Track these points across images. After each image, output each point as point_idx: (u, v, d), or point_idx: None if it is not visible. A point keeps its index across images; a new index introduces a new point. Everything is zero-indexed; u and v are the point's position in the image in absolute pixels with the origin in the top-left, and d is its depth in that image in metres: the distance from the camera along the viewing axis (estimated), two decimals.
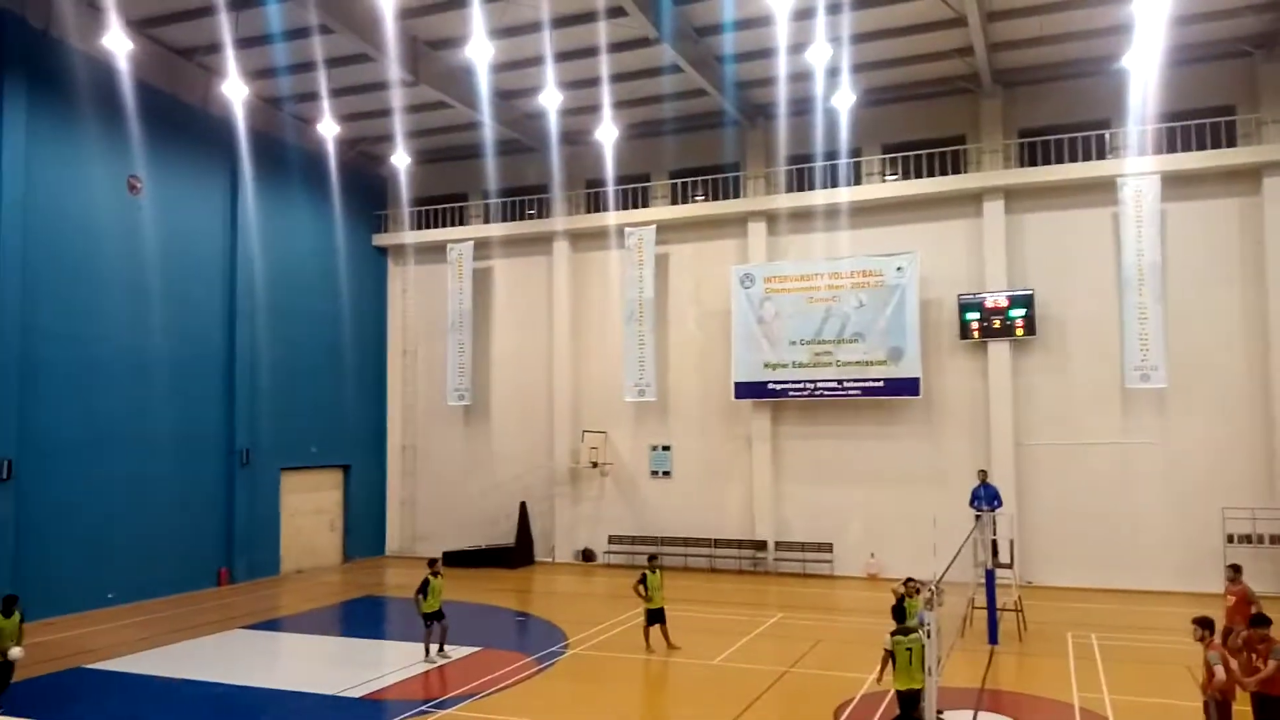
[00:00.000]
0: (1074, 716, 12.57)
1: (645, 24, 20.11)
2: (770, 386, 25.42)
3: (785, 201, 25.90)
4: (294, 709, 13.45)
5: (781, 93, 24.02)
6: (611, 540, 27.41)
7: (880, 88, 24.88)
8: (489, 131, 27.08)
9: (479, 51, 20.05)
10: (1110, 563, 22.37)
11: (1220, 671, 9.47)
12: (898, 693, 10.72)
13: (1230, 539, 21.34)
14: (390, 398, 30.79)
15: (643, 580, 16.59)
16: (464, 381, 29.02)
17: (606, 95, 24.04)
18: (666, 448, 27.30)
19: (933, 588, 11.14)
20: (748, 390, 25.70)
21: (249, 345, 25.31)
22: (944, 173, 24.44)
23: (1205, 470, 21.89)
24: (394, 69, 22.40)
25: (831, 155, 25.39)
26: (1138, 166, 22.47)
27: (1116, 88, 22.76)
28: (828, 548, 25.02)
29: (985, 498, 18.99)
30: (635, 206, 27.77)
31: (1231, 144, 22.14)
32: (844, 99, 22.74)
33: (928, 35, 22.05)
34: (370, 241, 30.64)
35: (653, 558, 17.82)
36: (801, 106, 25.04)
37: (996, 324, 23.48)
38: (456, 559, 26.91)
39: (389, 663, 16.11)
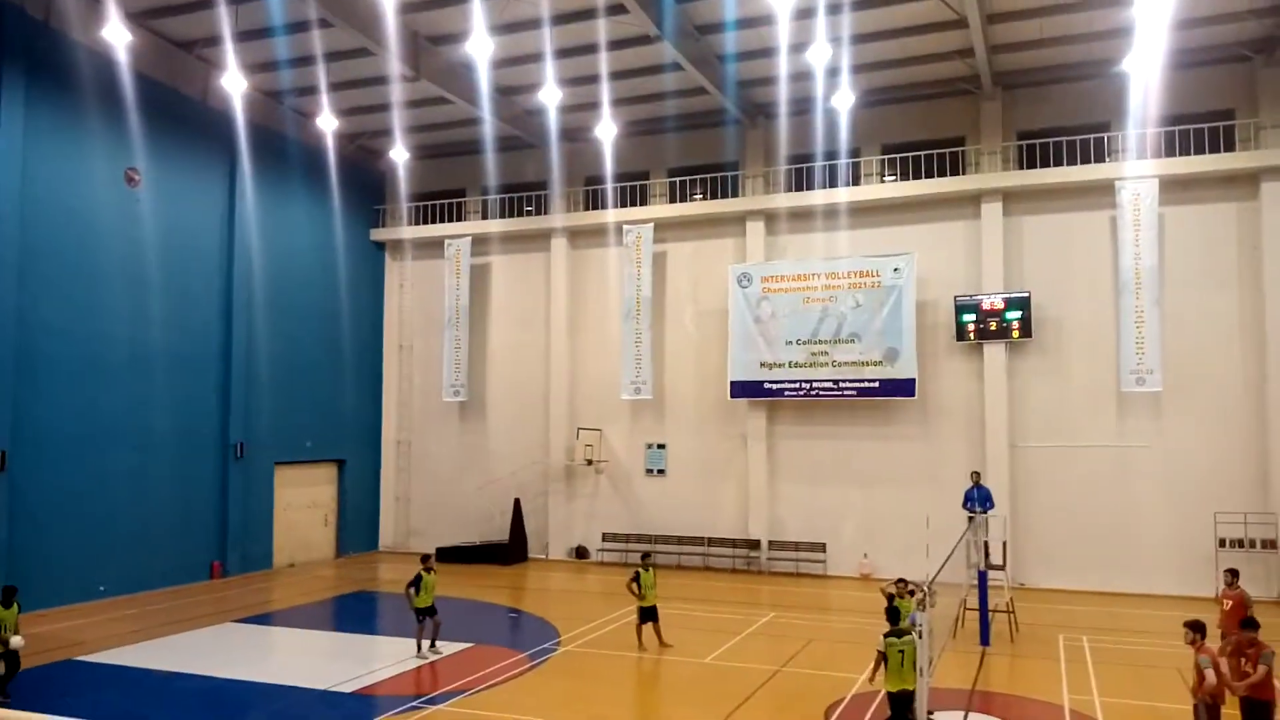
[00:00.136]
0: (1064, 718, 12.58)
1: (646, 21, 20.10)
2: (766, 386, 25.44)
3: (784, 201, 25.91)
4: (286, 703, 13.43)
5: (781, 92, 24.01)
6: (605, 538, 27.41)
7: (880, 88, 24.88)
8: (488, 127, 27.07)
9: (479, 47, 20.05)
10: (1103, 566, 22.42)
11: (1210, 675, 9.51)
12: (889, 694, 10.72)
13: (1222, 543, 21.39)
14: (386, 393, 30.77)
15: (636, 578, 16.58)
16: (460, 377, 29.01)
17: (606, 92, 24.02)
18: (662, 446, 27.32)
19: (925, 588, 11.14)
20: (744, 389, 25.72)
21: (245, 339, 25.27)
22: (942, 174, 24.45)
23: (1199, 474, 21.93)
24: (394, 64, 22.39)
25: (831, 155, 25.41)
26: (1136, 170, 22.50)
27: (1116, 91, 22.80)
28: (821, 547, 25.04)
29: (978, 499, 19.00)
30: (634, 204, 27.76)
31: (1230, 149, 22.17)
32: (844, 99, 22.73)
33: (928, 36, 22.06)
34: (368, 236, 30.61)
35: (646, 556, 17.81)
36: (801, 106, 25.05)
37: (993, 326, 23.49)
38: (450, 555, 26.91)
39: (381, 658, 16.11)
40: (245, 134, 24.71)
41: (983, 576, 16.70)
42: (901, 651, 10.51)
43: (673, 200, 27.51)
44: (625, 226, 27.18)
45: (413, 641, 16.14)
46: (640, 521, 27.24)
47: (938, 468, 23.84)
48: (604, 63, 22.93)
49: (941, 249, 24.46)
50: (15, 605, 13.41)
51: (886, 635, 10.78)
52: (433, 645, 16.15)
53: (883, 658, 10.76)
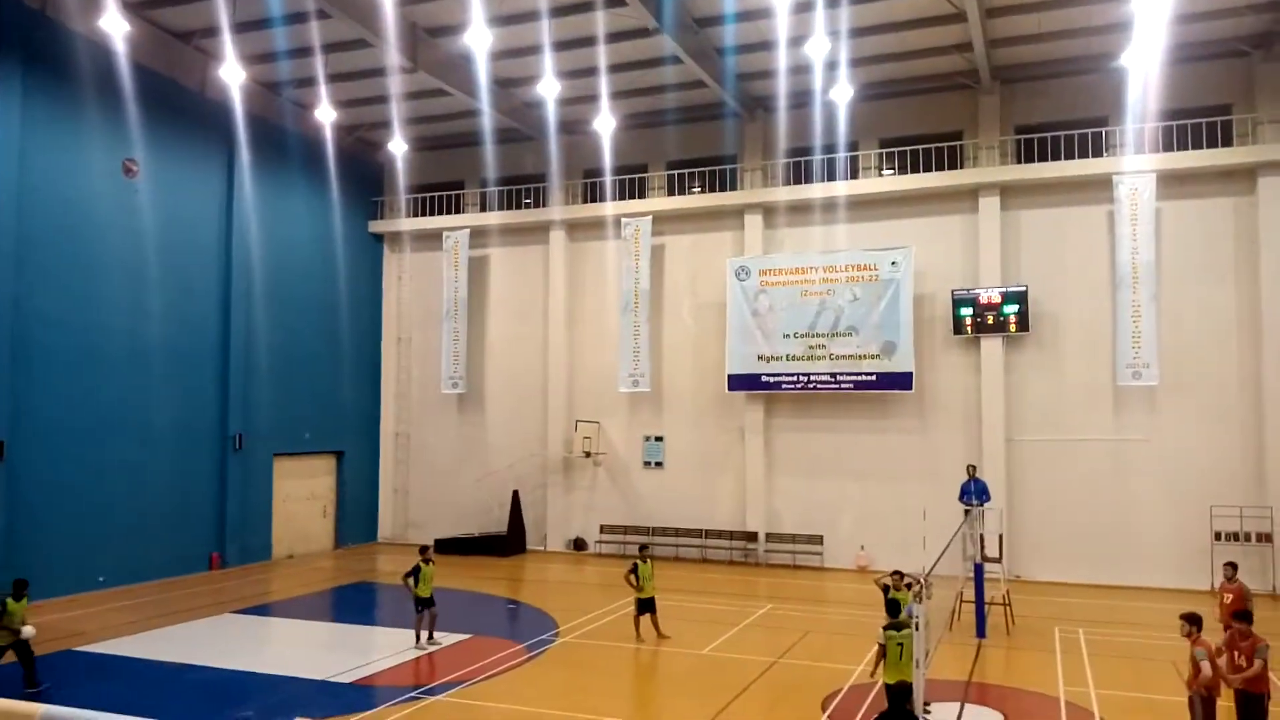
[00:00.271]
0: (1060, 710, 12.64)
1: (645, 14, 20.08)
2: (764, 379, 25.48)
3: (782, 194, 25.91)
4: (284, 693, 13.47)
5: (780, 86, 23.98)
6: (603, 530, 27.48)
7: (878, 82, 24.87)
8: (487, 119, 27.01)
9: (478, 39, 20.02)
10: (1099, 558, 22.50)
11: (1206, 667, 9.57)
12: (886, 686, 10.76)
13: (1218, 536, 21.49)
14: (384, 385, 30.78)
15: (634, 570, 16.64)
16: (458, 369, 29.02)
17: (605, 85, 23.96)
18: (659, 438, 27.36)
19: (922, 581, 11.20)
20: (741, 382, 25.76)
21: (243, 330, 25.26)
22: (940, 168, 24.46)
23: (1195, 468, 22.01)
24: (393, 55, 22.36)
25: (829, 149, 25.42)
26: (1134, 165, 22.51)
27: (1114, 85, 22.81)
28: (818, 540, 25.12)
29: (974, 492, 19.11)
30: (632, 197, 27.76)
31: (1227, 143, 22.20)
32: (842, 93, 22.74)
33: (926, 30, 22.05)
34: (366, 228, 30.57)
35: (644, 547, 17.89)
36: (800, 100, 25.03)
37: (990, 320, 23.53)
38: (448, 546, 26.95)
39: (379, 648, 16.16)
40: (243, 125, 24.66)
41: (979, 569, 16.78)
42: (900, 644, 10.57)
43: (671, 193, 27.52)
44: (624, 219, 27.18)
45: (411, 632, 16.21)
46: (638, 514, 27.30)
47: (934, 461, 23.91)
48: (603, 55, 22.87)
49: (939, 243, 24.49)
50: (25, 598, 13.71)
51: (886, 628, 10.84)
52: (430, 636, 16.21)
53: (882, 650, 10.82)
